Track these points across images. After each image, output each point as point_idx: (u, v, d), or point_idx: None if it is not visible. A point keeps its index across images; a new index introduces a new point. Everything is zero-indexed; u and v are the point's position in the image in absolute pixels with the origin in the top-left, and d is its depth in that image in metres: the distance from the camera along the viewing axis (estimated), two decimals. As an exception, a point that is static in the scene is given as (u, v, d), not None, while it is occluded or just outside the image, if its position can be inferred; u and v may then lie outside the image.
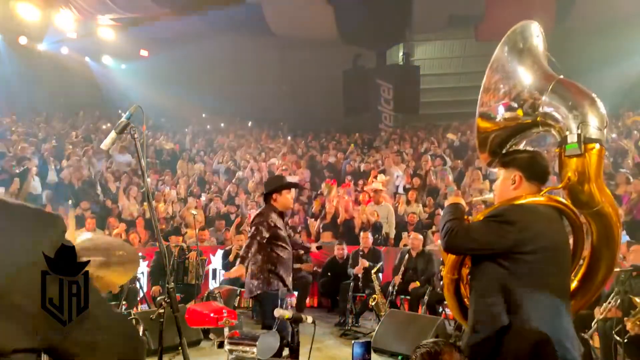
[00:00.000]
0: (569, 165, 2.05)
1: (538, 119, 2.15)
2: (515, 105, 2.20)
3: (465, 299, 2.36)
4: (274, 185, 4.19)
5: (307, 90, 19.15)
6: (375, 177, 10.48)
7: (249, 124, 19.97)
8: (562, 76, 2.15)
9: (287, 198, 4.12)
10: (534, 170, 2.14)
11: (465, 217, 2.25)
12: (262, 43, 18.69)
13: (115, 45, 18.36)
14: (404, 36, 18.33)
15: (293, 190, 4.19)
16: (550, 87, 2.09)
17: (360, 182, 10.64)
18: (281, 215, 4.15)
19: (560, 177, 2.15)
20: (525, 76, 2.20)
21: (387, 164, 11.19)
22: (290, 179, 11.10)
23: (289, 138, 16.69)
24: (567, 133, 2.03)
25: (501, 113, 2.24)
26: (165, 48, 18.39)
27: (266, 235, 3.99)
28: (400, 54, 19.64)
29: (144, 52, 18.84)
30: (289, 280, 4.02)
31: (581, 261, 2.31)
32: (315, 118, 19.29)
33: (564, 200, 2.14)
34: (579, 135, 1.98)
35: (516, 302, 1.99)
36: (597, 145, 2.01)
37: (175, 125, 18.64)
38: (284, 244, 4.05)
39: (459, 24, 17.18)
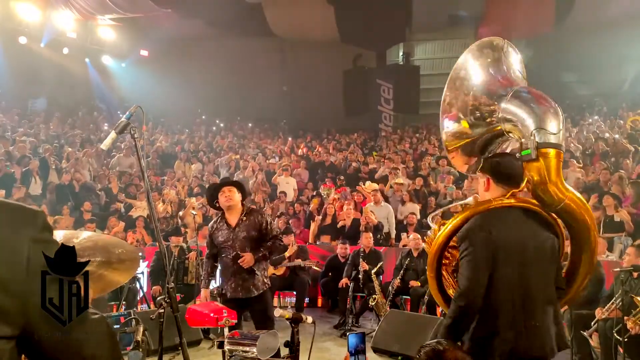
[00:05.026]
0: (528, 169, 2.20)
1: (501, 126, 2.29)
2: (478, 115, 2.36)
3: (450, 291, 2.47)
4: (209, 194, 4.21)
5: (307, 90, 19.14)
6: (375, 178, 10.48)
7: (249, 124, 19.95)
8: (521, 85, 2.29)
9: (222, 197, 4.00)
10: (500, 174, 2.30)
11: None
12: (262, 43, 18.69)
13: (115, 45, 18.36)
14: (404, 36, 18.32)
15: (230, 188, 4.07)
16: (509, 96, 2.24)
17: (360, 182, 10.61)
18: (223, 216, 4.07)
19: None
20: (485, 87, 2.37)
21: (387, 164, 11.18)
22: (290, 179, 11.14)
23: (289, 138, 16.66)
24: (522, 140, 2.19)
25: (454, 126, 2.43)
26: (166, 48, 18.38)
27: (209, 249, 4.14)
28: (400, 54, 19.62)
29: (144, 52, 18.83)
30: (229, 285, 3.96)
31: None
32: (315, 118, 19.28)
33: (532, 200, 2.28)
34: (531, 142, 2.15)
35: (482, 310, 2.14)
36: (551, 149, 2.14)
37: (175, 125, 18.62)
38: (221, 249, 4.04)
39: (459, 24, 17.19)
